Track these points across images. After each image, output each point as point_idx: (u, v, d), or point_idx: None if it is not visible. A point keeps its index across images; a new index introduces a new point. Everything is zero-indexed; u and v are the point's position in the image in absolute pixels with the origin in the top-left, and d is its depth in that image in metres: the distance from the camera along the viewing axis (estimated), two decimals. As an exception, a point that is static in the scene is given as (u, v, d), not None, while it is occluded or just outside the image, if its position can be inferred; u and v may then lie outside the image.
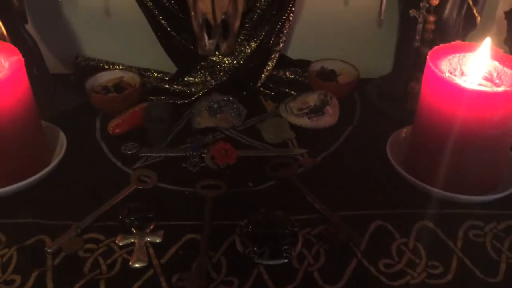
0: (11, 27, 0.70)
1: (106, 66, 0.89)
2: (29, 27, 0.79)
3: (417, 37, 0.77)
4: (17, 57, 0.58)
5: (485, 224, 0.61)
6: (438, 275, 0.55)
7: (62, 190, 0.65)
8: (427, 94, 0.62)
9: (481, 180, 0.63)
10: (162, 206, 0.62)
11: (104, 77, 0.84)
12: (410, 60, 0.81)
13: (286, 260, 0.55)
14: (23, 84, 0.59)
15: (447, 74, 0.57)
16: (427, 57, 0.61)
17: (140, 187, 0.65)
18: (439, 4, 0.73)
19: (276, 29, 0.80)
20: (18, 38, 0.72)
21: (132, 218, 0.58)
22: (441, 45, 0.64)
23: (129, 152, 0.72)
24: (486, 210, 0.63)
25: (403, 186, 0.66)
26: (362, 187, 0.67)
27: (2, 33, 0.66)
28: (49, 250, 0.54)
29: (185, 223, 0.60)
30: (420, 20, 0.75)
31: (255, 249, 0.56)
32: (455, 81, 0.57)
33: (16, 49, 0.60)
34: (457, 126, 0.59)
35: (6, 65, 0.58)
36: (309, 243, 0.58)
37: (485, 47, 0.61)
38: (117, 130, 0.76)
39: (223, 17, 0.76)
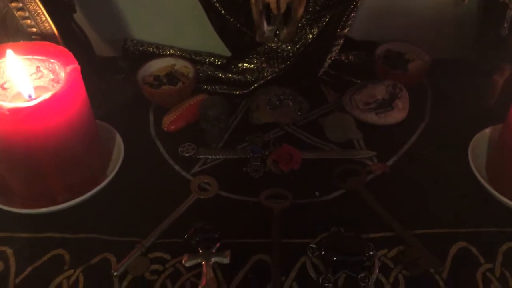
0: (60, 20, 0.65)
1: (155, 51, 0.84)
2: (77, 14, 0.75)
3: (505, 25, 0.68)
4: (74, 66, 0.54)
5: None
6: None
7: (123, 200, 0.62)
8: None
9: None
10: (225, 220, 0.59)
11: (155, 66, 0.79)
12: (494, 49, 0.72)
13: (362, 288, 0.52)
14: (81, 95, 0.55)
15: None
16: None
17: (202, 197, 0.62)
18: (538, -11, 0.63)
19: (345, 15, 0.72)
20: (68, 31, 0.68)
21: (197, 239, 0.55)
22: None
23: (187, 155, 0.68)
24: None
25: (487, 200, 0.61)
26: (439, 199, 0.62)
27: (53, 32, 0.61)
28: (115, 273, 0.53)
29: (252, 241, 0.57)
30: (511, 6, 0.66)
31: (329, 276, 0.52)
32: None
33: (71, 55, 0.56)
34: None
35: (62, 74, 0.54)
36: (386, 268, 0.54)
37: None
38: (172, 127, 0.73)
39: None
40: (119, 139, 0.66)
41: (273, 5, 0.66)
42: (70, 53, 0.56)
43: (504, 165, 0.60)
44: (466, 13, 0.78)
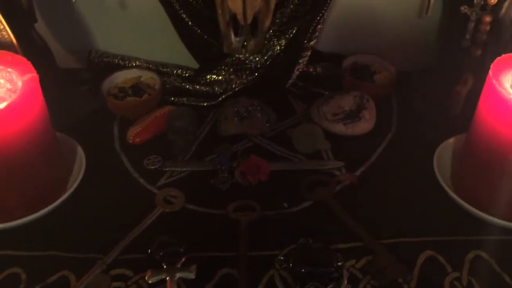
0: (20, 29, 0.63)
1: (121, 62, 0.82)
2: (39, 23, 0.72)
3: (467, 36, 0.70)
4: (31, 75, 0.52)
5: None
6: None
7: (84, 215, 0.60)
8: (486, 113, 0.56)
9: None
10: (191, 233, 0.58)
11: (121, 77, 0.77)
12: (456, 60, 0.74)
13: (331, 300, 0.51)
14: (38, 104, 0.53)
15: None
16: (490, 71, 0.54)
17: (167, 210, 0.60)
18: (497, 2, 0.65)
19: (311, 26, 0.73)
20: (27, 40, 0.66)
21: (162, 253, 0.53)
22: (503, 55, 0.56)
23: (152, 167, 0.67)
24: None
25: (453, 208, 0.61)
26: (406, 209, 0.62)
27: (11, 41, 0.59)
28: (74, 292, 0.50)
29: (218, 254, 0.56)
30: (472, 18, 0.68)
31: (298, 288, 0.51)
32: (524, 105, 0.50)
33: (29, 64, 0.54)
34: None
35: (20, 83, 0.52)
36: (355, 279, 0.54)
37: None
38: (137, 139, 0.71)
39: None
40: (80, 152, 0.64)
41: (239, 16, 0.66)
42: (29, 62, 0.54)
43: (468, 174, 0.61)
44: (429, 25, 0.80)
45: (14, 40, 0.59)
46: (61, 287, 0.52)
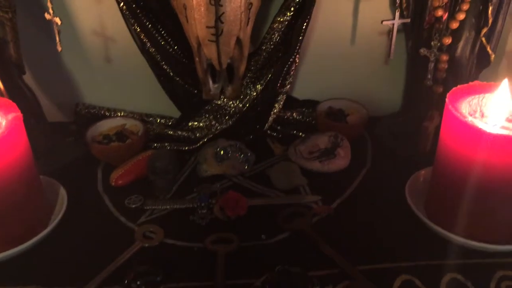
0: (8, 79, 0.67)
1: (107, 114, 0.86)
2: (28, 76, 0.77)
3: (429, 76, 0.75)
4: (16, 114, 0.55)
5: (518, 275, 0.57)
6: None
7: (64, 251, 0.60)
8: (447, 138, 0.59)
9: (510, 227, 0.59)
10: (170, 266, 0.58)
11: (105, 126, 0.81)
12: (422, 99, 0.79)
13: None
14: (22, 142, 0.56)
15: (470, 118, 0.54)
16: (446, 99, 0.58)
17: (146, 245, 0.61)
18: (451, 42, 0.71)
19: (283, 71, 0.78)
20: (15, 90, 0.69)
21: (138, 283, 0.53)
22: (459, 86, 0.61)
23: (133, 206, 0.68)
24: (518, 259, 0.59)
25: (427, 234, 0.62)
26: (382, 237, 0.63)
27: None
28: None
29: (195, 284, 0.56)
30: (432, 58, 0.73)
31: (274, 313, 0.51)
32: (477, 125, 0.54)
33: (14, 105, 0.57)
34: (481, 172, 0.55)
35: (4, 122, 0.55)
36: (332, 304, 0.54)
37: (504, 87, 0.58)
38: (120, 182, 0.73)
39: (228, 61, 0.73)
40: (63, 192, 0.66)
41: (215, 62, 0.71)
42: (14, 104, 0.57)
43: (438, 199, 0.63)
44: (396, 70, 0.85)
45: (1, 86, 0.63)
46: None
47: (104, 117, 0.85)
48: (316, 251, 0.61)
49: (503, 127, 0.56)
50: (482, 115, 0.60)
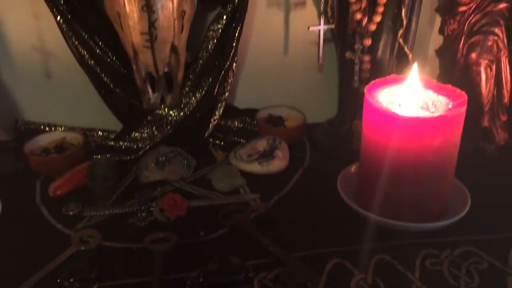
0: None
1: (47, 129, 0.86)
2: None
3: (356, 78, 0.80)
4: None
5: (440, 252, 0.60)
6: (400, 307, 0.53)
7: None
8: (367, 128, 0.63)
9: (428, 207, 0.63)
10: (107, 265, 0.58)
11: (45, 139, 0.81)
12: (352, 101, 0.83)
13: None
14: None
15: (384, 104, 0.59)
16: (365, 91, 0.63)
17: (82, 248, 0.61)
18: (371, 44, 0.76)
19: (220, 78, 0.81)
20: None
21: (72, 280, 0.53)
22: (377, 79, 0.66)
23: (71, 213, 0.68)
24: (439, 238, 0.62)
25: (358, 221, 0.65)
26: (316, 226, 0.66)
27: None
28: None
29: (132, 281, 0.56)
30: (356, 61, 0.79)
31: (208, 300, 0.52)
32: (391, 110, 0.58)
33: None
34: (396, 155, 0.59)
35: None
36: (266, 289, 0.55)
37: (414, 73, 0.63)
38: (58, 192, 0.72)
39: (166, 69, 0.76)
40: (-3, 202, 0.65)
41: (151, 68, 0.73)
42: None
43: (364, 188, 0.67)
44: (329, 75, 0.90)
45: None
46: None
47: (43, 132, 0.85)
48: (253, 244, 0.62)
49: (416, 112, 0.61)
50: (399, 105, 0.64)
